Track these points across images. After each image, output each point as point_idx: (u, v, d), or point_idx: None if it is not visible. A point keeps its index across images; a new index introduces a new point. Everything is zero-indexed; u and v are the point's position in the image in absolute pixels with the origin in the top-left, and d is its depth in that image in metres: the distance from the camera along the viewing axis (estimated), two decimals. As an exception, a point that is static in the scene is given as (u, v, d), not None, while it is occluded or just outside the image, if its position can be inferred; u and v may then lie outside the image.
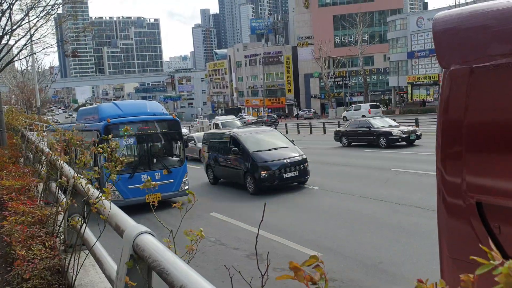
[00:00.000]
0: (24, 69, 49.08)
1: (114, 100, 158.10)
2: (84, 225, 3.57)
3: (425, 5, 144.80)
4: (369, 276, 7.30)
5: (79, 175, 3.87)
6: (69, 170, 4.33)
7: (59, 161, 4.82)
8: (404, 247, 8.35)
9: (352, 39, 71.93)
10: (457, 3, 49.74)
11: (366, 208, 11.42)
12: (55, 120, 63.39)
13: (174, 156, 14.39)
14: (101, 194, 3.14)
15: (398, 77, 63.07)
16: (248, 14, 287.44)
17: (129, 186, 12.58)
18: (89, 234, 3.51)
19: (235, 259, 8.64)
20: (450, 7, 52.09)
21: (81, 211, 4.05)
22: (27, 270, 3.08)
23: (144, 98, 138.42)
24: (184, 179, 13.95)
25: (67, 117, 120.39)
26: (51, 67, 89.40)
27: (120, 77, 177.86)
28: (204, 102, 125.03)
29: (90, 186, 3.45)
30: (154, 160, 13.62)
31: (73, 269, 3.38)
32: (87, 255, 3.39)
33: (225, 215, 12.22)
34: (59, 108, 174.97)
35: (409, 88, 64.12)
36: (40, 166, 7.27)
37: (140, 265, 2.28)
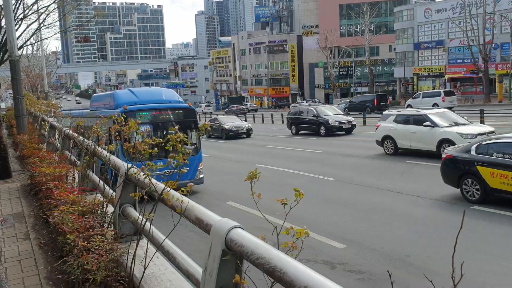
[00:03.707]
0: (30, 54, 48.86)
1: (118, 86, 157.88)
2: (141, 216, 3.53)
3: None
4: (397, 269, 7.27)
5: (133, 164, 3.83)
6: (118, 160, 4.28)
7: (102, 150, 4.76)
8: (430, 241, 8.30)
9: (358, 29, 71.44)
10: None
11: (384, 200, 11.37)
12: (59, 106, 63.30)
13: (190, 144, 14.33)
14: (168, 189, 3.09)
15: (404, 68, 62.72)
16: (252, 2, 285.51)
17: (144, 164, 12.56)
18: (152, 228, 3.45)
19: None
20: (459, -1, 51.65)
21: (133, 201, 4.01)
22: (92, 262, 3.04)
23: (146, 85, 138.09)
24: (199, 168, 13.94)
25: (57, 98, 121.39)
26: (54, 52, 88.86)
27: (122, 63, 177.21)
28: (207, 90, 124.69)
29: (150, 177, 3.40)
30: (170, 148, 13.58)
31: (133, 261, 3.34)
32: (147, 247, 3.34)
33: (242, 204, 12.20)
34: (58, 93, 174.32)
35: (415, 79, 63.83)
36: (69, 153, 7.21)
37: (235, 260, 2.25)
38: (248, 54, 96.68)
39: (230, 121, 32.45)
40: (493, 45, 48.50)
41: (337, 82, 75.64)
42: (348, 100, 52.24)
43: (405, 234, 8.81)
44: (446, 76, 57.71)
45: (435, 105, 37.26)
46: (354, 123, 27.53)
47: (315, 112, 28.19)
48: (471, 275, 6.73)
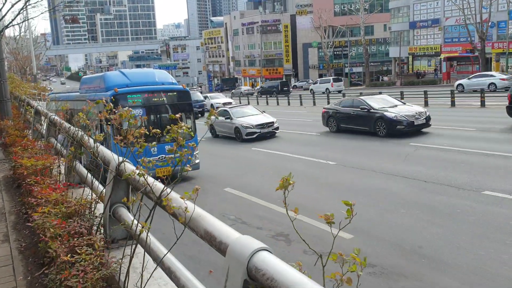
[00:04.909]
0: (17, 36, 47.59)
1: (108, 68, 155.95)
2: (136, 220, 2.96)
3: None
4: (410, 262, 6.81)
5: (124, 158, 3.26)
6: (108, 152, 3.69)
7: (89, 139, 4.17)
8: (442, 230, 7.84)
9: (353, 8, 70.27)
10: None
11: (390, 185, 10.88)
12: (49, 88, 62.25)
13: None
14: (169, 190, 2.52)
15: (400, 47, 61.88)
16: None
17: (139, 160, 11.98)
18: (149, 238, 2.88)
19: (262, 239, 8.10)
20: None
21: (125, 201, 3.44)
22: (77, 282, 2.49)
23: (138, 66, 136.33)
24: (195, 153, 13.39)
25: (44, 80, 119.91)
26: (43, 34, 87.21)
27: (113, 44, 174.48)
28: (199, 71, 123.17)
29: (147, 175, 2.83)
30: (164, 132, 12.98)
31: (127, 277, 2.79)
32: (143, 262, 2.78)
33: (241, 190, 11.71)
34: (46, 75, 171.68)
35: (410, 59, 63.07)
36: (55, 141, 6.61)
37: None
38: (241, 34, 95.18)
39: (386, 104, 17.99)
40: (490, 23, 47.80)
41: (331, 62, 74.72)
42: (258, 86, 71.37)
43: (413, 222, 8.33)
44: (442, 56, 57.04)
45: (327, 89, 49.71)
46: None
47: None
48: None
